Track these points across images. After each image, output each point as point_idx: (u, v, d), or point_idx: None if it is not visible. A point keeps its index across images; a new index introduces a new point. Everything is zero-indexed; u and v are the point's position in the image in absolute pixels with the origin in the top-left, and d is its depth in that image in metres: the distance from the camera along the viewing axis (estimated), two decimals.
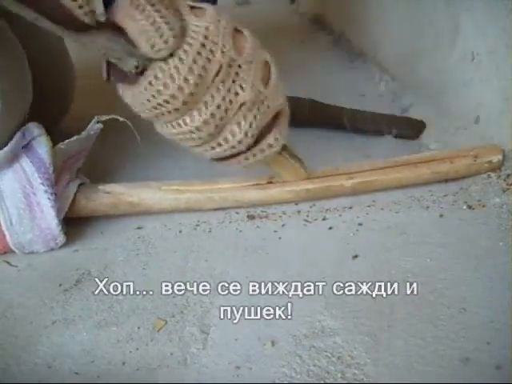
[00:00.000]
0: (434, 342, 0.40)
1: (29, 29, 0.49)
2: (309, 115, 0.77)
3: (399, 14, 0.87)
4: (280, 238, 0.54)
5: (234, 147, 0.48)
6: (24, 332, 0.45)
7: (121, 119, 0.57)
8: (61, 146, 0.57)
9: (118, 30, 0.43)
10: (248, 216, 0.58)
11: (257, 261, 0.51)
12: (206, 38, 0.44)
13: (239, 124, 0.47)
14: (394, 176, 0.58)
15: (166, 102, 0.44)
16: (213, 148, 0.49)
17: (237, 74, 0.46)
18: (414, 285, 0.46)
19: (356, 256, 0.50)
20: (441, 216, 0.55)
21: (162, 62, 0.44)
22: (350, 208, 0.58)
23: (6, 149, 0.52)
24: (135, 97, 0.46)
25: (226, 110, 0.46)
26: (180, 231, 0.57)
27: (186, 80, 0.44)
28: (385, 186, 0.59)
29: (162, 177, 0.61)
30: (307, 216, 0.57)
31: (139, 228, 0.58)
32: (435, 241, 0.51)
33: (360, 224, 0.55)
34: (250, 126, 0.47)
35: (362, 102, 0.82)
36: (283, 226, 0.56)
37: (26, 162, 0.54)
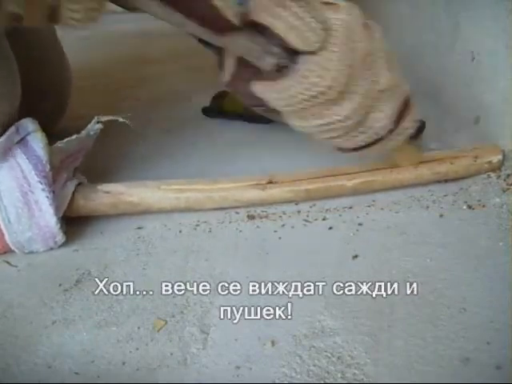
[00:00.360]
0: (434, 341, 0.40)
1: (24, 29, 0.49)
2: None
3: (399, 13, 0.87)
4: (280, 238, 0.54)
5: (377, 133, 0.50)
6: (24, 332, 0.45)
7: (121, 120, 0.57)
8: (59, 144, 0.57)
9: (256, 28, 0.45)
10: (248, 216, 0.58)
11: (257, 261, 0.51)
12: (347, 29, 0.46)
13: (382, 110, 0.49)
14: (395, 176, 0.58)
15: (322, 93, 0.46)
16: (355, 136, 0.50)
17: (373, 62, 0.48)
18: (414, 285, 0.46)
19: (356, 256, 0.50)
20: (441, 216, 0.55)
21: (313, 55, 0.45)
22: (350, 208, 0.58)
23: None
24: (282, 91, 0.47)
25: (370, 98, 0.48)
26: (180, 231, 0.57)
27: (339, 71, 0.45)
28: (385, 187, 0.59)
29: (161, 177, 0.61)
30: (307, 216, 0.57)
31: (139, 228, 0.58)
32: (435, 241, 0.51)
33: (360, 224, 0.55)
34: (392, 110, 0.49)
35: None
36: (283, 226, 0.56)
37: (22, 160, 0.53)
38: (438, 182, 0.60)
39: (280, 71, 0.47)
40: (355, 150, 0.53)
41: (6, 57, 0.56)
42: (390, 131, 0.51)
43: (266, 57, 0.46)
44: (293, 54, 0.46)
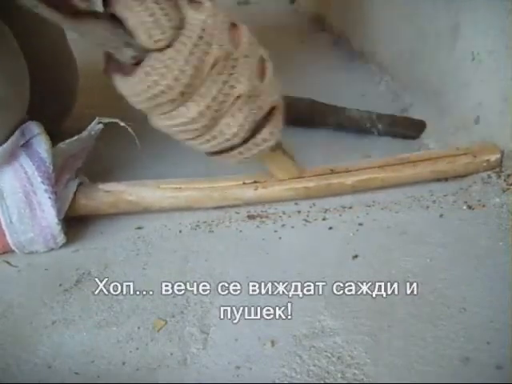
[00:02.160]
0: (434, 341, 0.40)
1: (32, 29, 0.49)
2: (309, 115, 0.77)
3: (399, 14, 0.87)
4: (280, 238, 0.54)
5: (228, 140, 0.49)
6: (24, 332, 0.45)
7: (122, 124, 0.58)
8: (61, 145, 0.57)
9: (117, 20, 0.43)
10: (248, 216, 0.58)
11: (257, 261, 0.51)
12: (203, 30, 0.44)
13: (234, 117, 0.48)
14: (394, 174, 0.59)
15: (163, 92, 0.45)
16: (208, 141, 0.49)
17: (233, 67, 0.46)
18: (414, 285, 0.46)
19: (356, 256, 0.50)
20: (441, 216, 0.55)
21: (159, 53, 0.44)
22: (350, 208, 0.58)
23: (4, 146, 0.52)
24: (131, 87, 0.46)
25: (222, 103, 0.47)
26: (180, 231, 0.57)
27: (182, 71, 0.44)
28: (384, 185, 0.59)
29: (161, 176, 0.61)
30: (307, 216, 0.57)
31: (139, 228, 0.58)
32: (435, 241, 0.51)
33: (360, 224, 0.55)
34: (246, 119, 0.48)
35: (362, 102, 0.82)
36: (283, 226, 0.56)
37: (26, 161, 0.54)
38: (438, 181, 0.60)
39: (137, 65, 0.45)
40: (216, 153, 0.51)
41: (17, 60, 0.56)
42: (245, 140, 0.49)
43: (124, 48, 0.44)
44: (147, 49, 0.44)
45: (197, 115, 0.46)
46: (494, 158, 0.59)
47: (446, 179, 0.61)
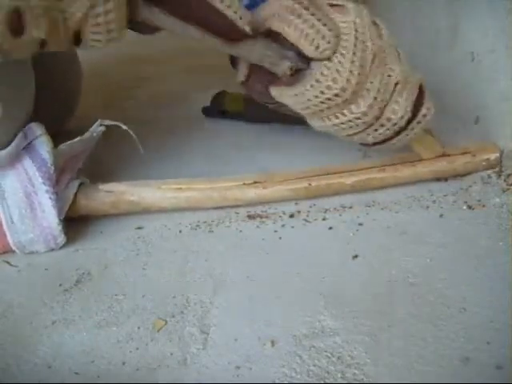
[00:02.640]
0: (434, 341, 0.40)
1: None
2: None
3: (399, 13, 0.87)
4: (280, 238, 0.54)
5: (395, 124, 0.52)
6: (24, 332, 0.45)
7: (124, 127, 0.58)
8: (63, 146, 0.57)
9: (270, 36, 0.48)
10: (248, 216, 0.58)
11: (257, 261, 0.51)
12: (356, 31, 0.48)
13: (397, 102, 0.51)
14: (393, 174, 0.59)
15: (336, 95, 0.48)
16: (375, 130, 0.52)
17: (385, 58, 0.50)
18: (414, 285, 0.46)
19: (356, 256, 0.50)
20: (441, 216, 0.55)
21: (325, 60, 0.48)
22: (350, 208, 0.58)
23: (8, 149, 0.52)
24: (300, 96, 0.49)
25: (385, 92, 0.50)
26: (180, 231, 0.57)
27: (351, 72, 0.48)
28: (384, 185, 0.59)
29: (161, 176, 0.61)
30: (307, 216, 0.57)
31: (139, 228, 0.58)
32: (435, 241, 0.51)
33: (360, 224, 0.55)
34: (406, 101, 0.51)
35: None
36: (283, 226, 0.56)
37: (27, 162, 0.54)
38: (438, 181, 0.60)
39: (295, 75, 0.50)
40: (377, 143, 0.54)
41: (23, 64, 0.56)
42: (409, 121, 0.52)
43: (281, 62, 0.49)
44: (306, 58, 0.49)
45: (367, 109, 0.50)
46: (493, 157, 0.59)
47: (446, 179, 0.61)
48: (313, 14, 0.46)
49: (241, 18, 0.46)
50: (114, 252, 0.55)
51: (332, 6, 0.49)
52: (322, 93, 0.48)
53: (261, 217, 0.58)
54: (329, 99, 0.49)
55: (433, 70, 0.74)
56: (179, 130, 0.81)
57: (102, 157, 0.70)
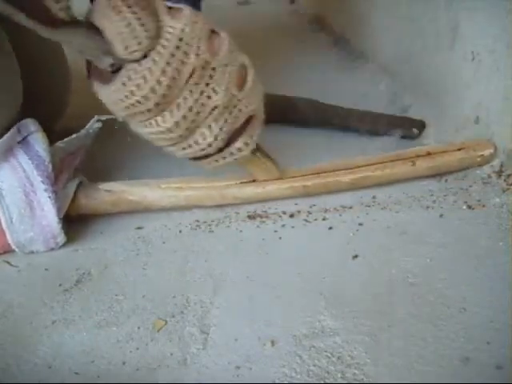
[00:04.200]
0: (434, 341, 0.40)
1: (23, 29, 0.49)
2: (308, 115, 0.77)
3: (399, 14, 0.87)
4: (280, 238, 0.54)
5: (203, 149, 0.49)
6: (24, 332, 0.45)
7: (121, 119, 0.57)
8: (59, 144, 0.57)
9: (95, 29, 0.43)
10: (248, 216, 0.58)
11: (257, 261, 0.51)
12: (180, 39, 0.44)
13: (210, 127, 0.48)
14: (391, 171, 0.59)
15: (139, 102, 0.45)
16: (184, 149, 0.50)
17: (211, 76, 0.46)
18: (414, 285, 0.46)
19: (356, 256, 0.50)
20: (441, 216, 0.55)
21: (135, 63, 0.44)
22: (350, 208, 0.58)
23: None
24: (109, 95, 0.46)
25: (198, 113, 0.47)
26: (180, 231, 0.57)
27: (158, 82, 0.44)
28: (381, 181, 0.60)
29: (161, 176, 0.61)
30: (307, 216, 0.57)
31: (139, 228, 0.58)
32: (435, 241, 0.51)
33: (360, 224, 0.55)
34: (221, 129, 0.48)
35: (362, 102, 0.82)
36: (283, 226, 0.56)
37: (24, 160, 0.54)
38: (439, 181, 0.60)
39: (113, 73, 0.46)
40: (193, 159, 0.52)
41: (9, 58, 0.56)
42: (220, 150, 0.50)
43: (102, 56, 0.45)
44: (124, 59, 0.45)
45: (172, 125, 0.47)
46: (487, 152, 0.60)
47: (446, 180, 0.61)
48: (134, 13, 0.42)
49: (57, 2, 0.41)
50: (114, 252, 0.55)
51: (171, 9, 0.45)
52: (126, 97, 0.45)
53: (261, 217, 0.58)
54: (132, 105, 0.45)
55: (433, 69, 0.74)
56: None
57: (101, 156, 0.70)
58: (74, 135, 0.58)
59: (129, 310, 0.47)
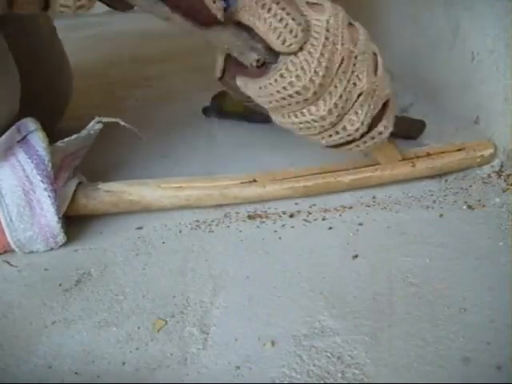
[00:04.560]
0: (434, 341, 0.40)
1: (23, 29, 0.49)
2: None
3: (399, 13, 0.87)
4: (280, 238, 0.54)
5: (350, 135, 0.51)
6: (24, 332, 0.45)
7: (122, 123, 0.58)
8: (60, 143, 0.57)
9: (241, 26, 0.47)
10: (248, 216, 0.58)
11: (257, 261, 0.51)
12: (328, 31, 0.47)
13: (357, 113, 0.50)
14: (391, 172, 0.59)
15: (298, 93, 0.48)
16: (330, 136, 0.52)
17: (354, 64, 0.49)
18: (414, 285, 0.46)
19: (356, 256, 0.50)
20: (441, 216, 0.55)
21: (292, 56, 0.47)
22: (350, 208, 0.58)
23: None
24: (263, 88, 0.49)
25: (347, 100, 0.49)
26: (180, 231, 0.57)
27: (315, 72, 0.47)
28: (381, 182, 0.60)
29: (161, 176, 0.61)
30: (307, 216, 0.58)
31: (139, 228, 0.58)
32: (435, 241, 0.51)
33: (360, 224, 0.55)
34: (366, 114, 0.50)
35: None
36: (283, 226, 0.56)
37: (23, 159, 0.54)
38: (439, 181, 0.60)
39: (262, 67, 0.49)
40: (333, 146, 0.54)
41: (5, 58, 0.56)
42: (363, 134, 0.52)
43: (249, 52, 0.48)
44: (274, 52, 0.48)
45: (326, 113, 0.49)
46: (488, 153, 0.60)
47: (446, 180, 0.61)
48: (283, 9, 0.45)
49: (214, 2, 0.45)
50: (114, 252, 0.55)
51: (309, 4, 0.48)
52: (285, 88, 0.47)
53: (261, 217, 0.58)
54: (290, 96, 0.48)
55: (433, 69, 0.74)
56: (179, 130, 0.81)
57: (101, 156, 0.70)
58: (74, 135, 0.58)
59: (129, 310, 0.47)
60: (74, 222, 0.58)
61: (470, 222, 0.54)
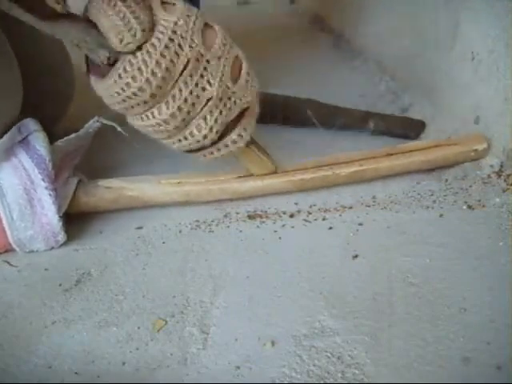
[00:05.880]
0: (434, 341, 0.40)
1: (27, 31, 0.49)
2: (307, 115, 0.77)
3: (399, 13, 0.87)
4: (280, 238, 0.54)
5: (198, 141, 0.50)
6: (24, 332, 0.45)
7: (118, 128, 0.57)
8: (59, 143, 0.57)
9: (91, 23, 0.45)
10: (248, 216, 0.58)
11: (257, 261, 0.51)
12: (174, 32, 0.45)
13: (205, 119, 0.48)
14: (387, 164, 0.60)
15: (134, 94, 0.46)
16: (179, 141, 0.50)
17: (205, 68, 0.47)
18: (414, 285, 0.46)
19: (356, 256, 0.50)
20: (441, 216, 0.55)
21: (130, 56, 0.45)
22: (350, 208, 0.58)
23: (0, 141, 0.52)
24: (106, 89, 0.47)
25: (193, 105, 0.47)
26: (180, 231, 0.57)
27: (153, 73, 0.45)
28: (378, 175, 0.61)
29: (160, 173, 0.61)
30: (307, 216, 0.57)
31: (139, 228, 0.58)
32: (435, 241, 0.51)
33: (360, 224, 0.55)
34: (216, 121, 0.49)
35: (362, 102, 0.82)
36: (283, 226, 0.56)
37: (25, 158, 0.54)
38: (438, 180, 0.60)
39: (109, 66, 0.47)
40: (188, 151, 0.52)
41: (8, 59, 0.56)
42: (215, 142, 0.50)
43: (98, 50, 0.46)
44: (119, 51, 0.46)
45: (168, 117, 0.47)
46: (481, 147, 0.61)
47: (446, 180, 0.61)
48: (128, 6, 0.43)
49: None
50: (114, 252, 0.55)
51: (164, 3, 0.46)
52: (123, 90, 0.46)
53: (261, 217, 0.58)
54: (129, 97, 0.46)
55: (433, 69, 0.74)
56: None
57: (101, 156, 0.70)
58: (73, 134, 0.58)
59: (129, 310, 0.47)
60: (74, 222, 0.58)
61: (470, 222, 0.54)
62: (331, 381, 0.38)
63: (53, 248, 0.55)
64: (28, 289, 0.50)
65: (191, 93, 0.47)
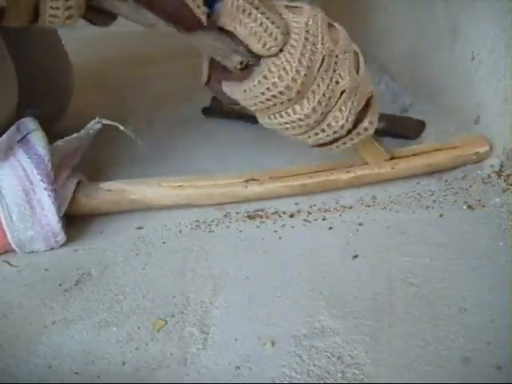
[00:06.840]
0: (434, 341, 0.40)
1: (26, 30, 0.49)
2: None
3: (399, 13, 0.87)
4: (280, 238, 0.54)
5: (336, 132, 0.53)
6: (24, 332, 0.45)
7: (121, 128, 0.58)
8: (59, 143, 0.57)
9: (224, 31, 0.49)
10: (248, 216, 0.58)
11: (257, 261, 0.51)
12: (307, 32, 0.49)
13: (341, 110, 0.51)
14: (389, 169, 0.60)
15: (281, 93, 0.49)
16: (316, 134, 0.53)
17: (336, 63, 0.51)
18: (414, 285, 0.46)
19: (356, 256, 0.50)
20: (441, 216, 0.55)
21: (273, 58, 0.49)
22: (350, 208, 0.58)
23: None
24: (248, 91, 0.50)
25: (330, 98, 0.51)
26: (180, 231, 0.57)
27: (297, 71, 0.49)
28: (380, 179, 0.60)
29: (161, 175, 0.61)
30: (307, 216, 0.57)
31: (139, 228, 0.58)
32: (435, 241, 0.51)
33: (360, 224, 0.55)
34: (350, 111, 0.52)
35: None
36: (283, 226, 0.56)
37: (23, 159, 0.54)
38: (438, 180, 0.60)
39: (246, 71, 0.50)
40: (318, 146, 0.55)
41: (2, 57, 0.56)
42: (349, 131, 0.53)
43: (231, 55, 0.49)
44: (256, 55, 0.49)
45: (310, 111, 0.50)
46: (483, 150, 0.60)
47: (446, 180, 0.61)
48: (262, 13, 0.47)
49: (199, 7, 0.46)
50: (114, 252, 0.55)
51: (289, 7, 0.50)
52: (268, 89, 0.49)
53: (261, 217, 0.58)
54: (274, 96, 0.49)
55: (433, 70, 0.74)
56: (179, 130, 0.81)
57: (101, 156, 0.71)
58: (73, 135, 0.58)
59: (129, 310, 0.47)
60: (74, 222, 0.58)
61: (470, 221, 0.53)
62: (331, 381, 0.38)
63: (53, 248, 0.55)
64: (28, 289, 0.50)
65: (328, 87, 0.50)
